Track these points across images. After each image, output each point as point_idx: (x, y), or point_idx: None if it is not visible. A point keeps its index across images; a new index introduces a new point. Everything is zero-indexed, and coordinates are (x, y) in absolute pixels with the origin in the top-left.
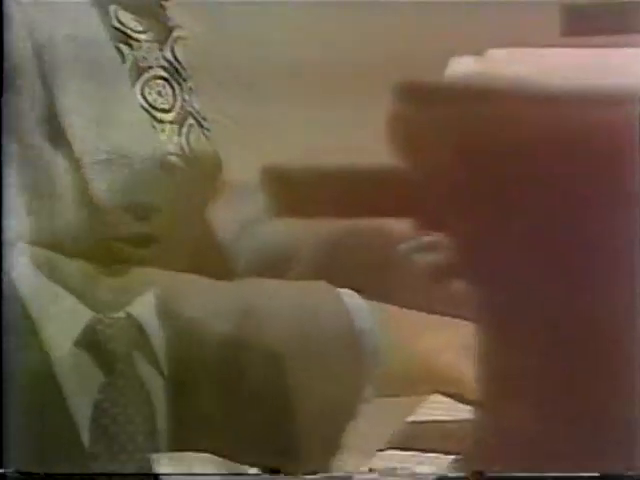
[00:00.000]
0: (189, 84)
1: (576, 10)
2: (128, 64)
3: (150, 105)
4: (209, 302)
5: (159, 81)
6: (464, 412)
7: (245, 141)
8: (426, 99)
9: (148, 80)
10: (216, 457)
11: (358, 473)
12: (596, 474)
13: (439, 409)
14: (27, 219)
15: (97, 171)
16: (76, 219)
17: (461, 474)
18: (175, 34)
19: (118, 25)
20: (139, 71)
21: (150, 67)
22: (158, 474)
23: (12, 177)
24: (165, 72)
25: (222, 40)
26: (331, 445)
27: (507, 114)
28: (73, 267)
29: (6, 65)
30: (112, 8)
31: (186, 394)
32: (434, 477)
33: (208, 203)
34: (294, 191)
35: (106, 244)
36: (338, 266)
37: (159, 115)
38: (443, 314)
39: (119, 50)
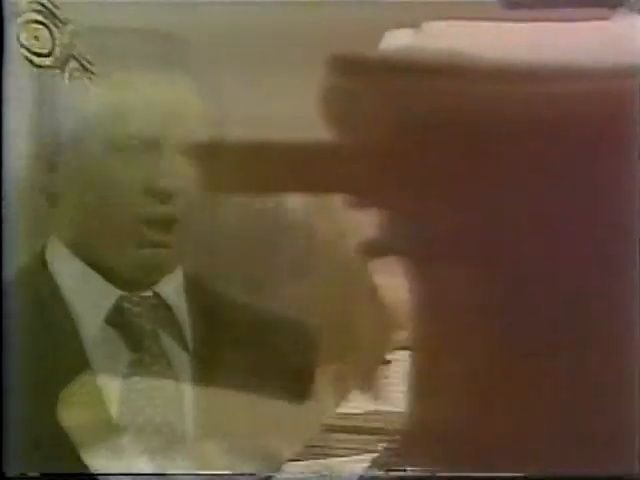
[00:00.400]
0: (69, 27)
1: None
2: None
3: (27, 49)
4: (234, 278)
5: (35, 25)
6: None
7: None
8: (361, 72)
9: (23, 24)
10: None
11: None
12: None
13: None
14: (59, 203)
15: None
16: (103, 202)
17: (381, 473)
18: None
19: None
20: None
21: (24, 12)
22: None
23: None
24: (40, 15)
25: None
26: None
27: (444, 87)
28: (102, 248)
29: None
30: None
31: (211, 370)
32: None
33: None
34: (225, 165)
35: (133, 227)
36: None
37: (37, 60)
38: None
39: None
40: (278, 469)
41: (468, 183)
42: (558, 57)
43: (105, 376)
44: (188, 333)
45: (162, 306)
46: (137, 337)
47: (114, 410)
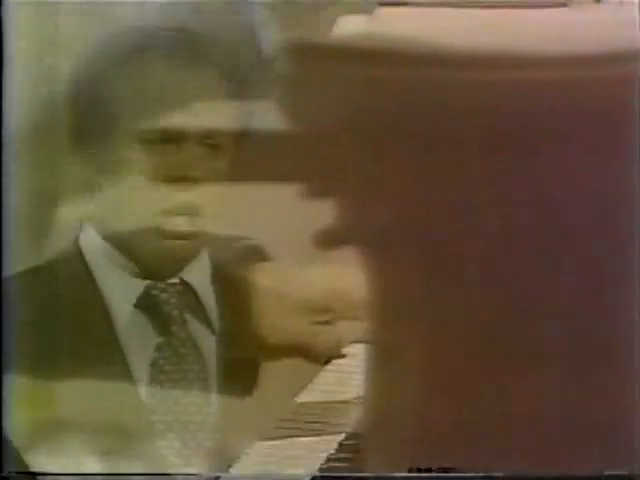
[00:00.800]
0: None
1: None
2: None
3: None
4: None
5: None
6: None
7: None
8: (315, 59)
9: None
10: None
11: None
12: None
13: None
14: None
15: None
16: (133, 195)
17: (340, 474)
18: None
19: None
20: None
21: None
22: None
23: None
24: None
25: None
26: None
27: (399, 74)
28: (131, 238)
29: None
30: None
31: (236, 352)
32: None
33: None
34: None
35: (158, 217)
36: None
37: None
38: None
39: None
40: (228, 468)
41: (424, 172)
42: (523, 44)
43: (135, 358)
44: (214, 317)
45: (189, 292)
46: (165, 322)
47: (142, 390)
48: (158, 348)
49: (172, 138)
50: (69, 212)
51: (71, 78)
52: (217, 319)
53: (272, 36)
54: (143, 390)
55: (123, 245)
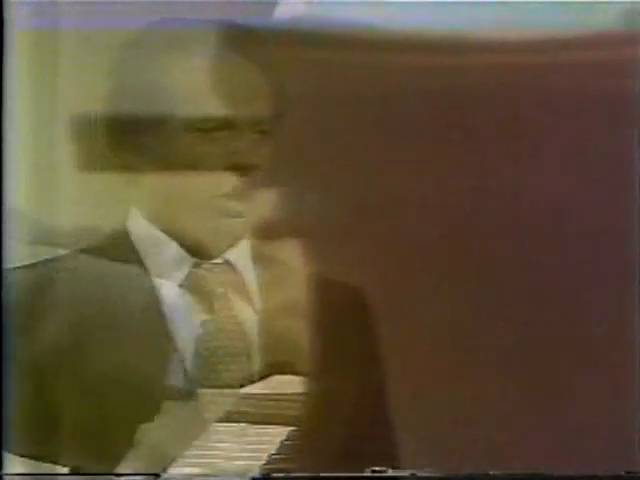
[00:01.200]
0: None
1: None
2: None
3: None
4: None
5: None
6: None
7: None
8: (252, 43)
9: None
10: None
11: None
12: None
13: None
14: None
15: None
16: (185, 177)
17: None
18: None
19: None
20: None
21: None
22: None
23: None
24: None
25: None
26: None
27: (339, 58)
28: (182, 220)
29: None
30: None
31: (276, 329)
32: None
33: None
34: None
35: (213, 199)
36: None
37: None
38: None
39: None
40: (165, 468)
41: (371, 160)
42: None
43: (181, 334)
44: (255, 296)
45: (232, 272)
46: (209, 300)
47: (188, 365)
48: (203, 325)
49: (226, 126)
50: (117, 197)
51: (117, 72)
52: (258, 298)
53: None
54: (188, 364)
55: (171, 227)
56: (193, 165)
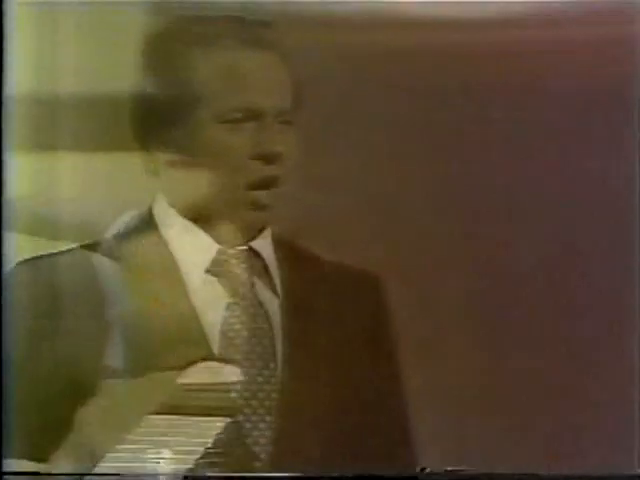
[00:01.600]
0: None
1: None
2: None
3: None
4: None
5: None
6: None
7: None
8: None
9: None
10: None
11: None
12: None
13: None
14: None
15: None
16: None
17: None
18: None
19: None
20: None
21: None
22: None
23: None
24: None
25: None
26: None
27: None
28: (209, 208)
29: None
30: None
31: (299, 314)
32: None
33: None
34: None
35: (240, 189)
36: None
37: None
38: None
39: None
40: (94, 465)
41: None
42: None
43: (207, 317)
44: (278, 282)
45: (256, 258)
46: (234, 285)
47: (214, 346)
48: (228, 308)
49: (252, 117)
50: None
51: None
52: (280, 284)
53: None
54: (215, 345)
55: (197, 215)
56: (220, 155)
